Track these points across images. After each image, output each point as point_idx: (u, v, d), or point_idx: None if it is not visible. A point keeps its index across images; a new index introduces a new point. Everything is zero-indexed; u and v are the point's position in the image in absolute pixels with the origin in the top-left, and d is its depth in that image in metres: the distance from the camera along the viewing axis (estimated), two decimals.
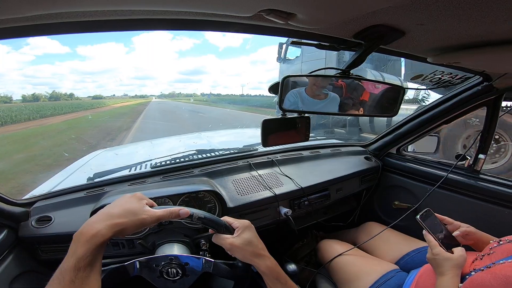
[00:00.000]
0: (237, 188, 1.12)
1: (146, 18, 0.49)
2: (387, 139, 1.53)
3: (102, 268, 0.50)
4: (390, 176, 1.52)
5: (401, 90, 0.72)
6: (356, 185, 1.44)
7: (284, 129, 0.77)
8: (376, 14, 0.46)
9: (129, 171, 1.23)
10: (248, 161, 1.27)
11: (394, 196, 1.49)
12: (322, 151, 1.51)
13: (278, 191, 1.14)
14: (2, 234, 0.85)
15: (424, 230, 0.77)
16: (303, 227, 1.36)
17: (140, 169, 1.26)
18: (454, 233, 0.78)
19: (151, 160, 1.31)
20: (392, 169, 1.52)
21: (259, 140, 1.51)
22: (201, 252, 0.85)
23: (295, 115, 0.76)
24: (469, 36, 0.57)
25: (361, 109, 0.74)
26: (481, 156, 1.16)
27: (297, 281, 0.68)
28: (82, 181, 1.15)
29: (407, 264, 1.06)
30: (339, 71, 0.66)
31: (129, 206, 0.55)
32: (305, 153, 1.45)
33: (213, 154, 1.34)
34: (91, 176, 1.19)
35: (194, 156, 1.32)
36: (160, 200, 0.93)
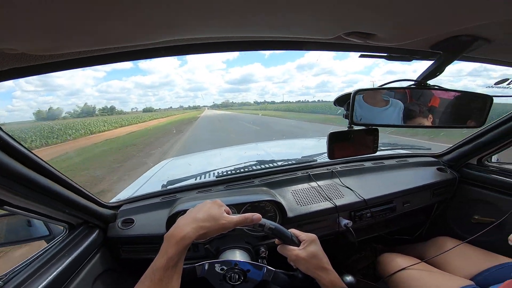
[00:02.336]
0: (296, 199, 1.13)
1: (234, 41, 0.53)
2: (466, 149, 1.36)
3: None
4: (468, 189, 1.35)
5: (488, 100, 0.64)
6: (427, 198, 1.31)
7: (351, 141, 0.76)
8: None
9: (195, 180, 1.33)
10: (307, 172, 1.27)
11: (473, 210, 1.32)
12: (386, 162, 1.42)
13: (338, 202, 1.12)
14: (94, 234, 0.93)
15: None
16: (362, 239, 1.30)
17: (205, 178, 1.36)
18: None
19: (215, 170, 1.41)
20: (472, 181, 1.34)
21: (317, 151, 1.51)
22: (259, 260, 0.87)
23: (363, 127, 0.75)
24: None
25: (431, 116, 0.67)
26: None
27: None
28: (157, 187, 1.28)
29: (485, 280, 0.92)
30: (414, 82, 0.63)
31: (212, 211, 0.58)
32: (367, 164, 1.39)
33: (272, 165, 1.38)
34: (165, 183, 1.31)
35: (254, 166, 1.37)
36: None
